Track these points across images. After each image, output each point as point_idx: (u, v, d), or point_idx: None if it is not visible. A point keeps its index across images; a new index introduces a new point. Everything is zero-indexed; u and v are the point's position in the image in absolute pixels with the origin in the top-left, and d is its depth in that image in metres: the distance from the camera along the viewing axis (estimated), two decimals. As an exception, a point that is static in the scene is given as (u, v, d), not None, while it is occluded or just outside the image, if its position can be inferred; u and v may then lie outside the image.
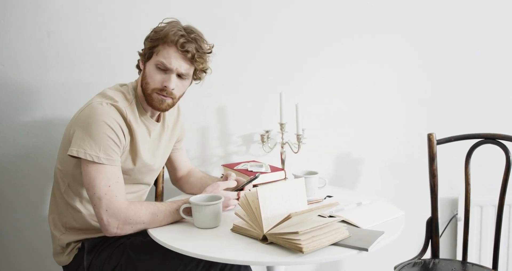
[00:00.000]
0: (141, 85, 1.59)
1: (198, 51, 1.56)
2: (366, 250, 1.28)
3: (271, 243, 1.33)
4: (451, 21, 2.18)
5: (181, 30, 1.55)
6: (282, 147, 2.07)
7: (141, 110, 1.62)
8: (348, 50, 2.16)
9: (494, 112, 2.25)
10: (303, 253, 1.24)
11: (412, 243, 2.26)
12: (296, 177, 1.77)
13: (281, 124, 2.05)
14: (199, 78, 1.67)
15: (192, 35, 1.56)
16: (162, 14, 1.60)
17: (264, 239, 1.34)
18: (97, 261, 1.58)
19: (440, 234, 2.06)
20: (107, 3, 2.00)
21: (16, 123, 2.02)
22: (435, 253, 1.95)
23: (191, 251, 1.30)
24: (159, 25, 1.59)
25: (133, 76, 1.70)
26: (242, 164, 1.98)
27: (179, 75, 1.57)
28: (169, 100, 1.58)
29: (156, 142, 1.68)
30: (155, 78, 1.55)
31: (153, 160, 1.67)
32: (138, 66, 1.67)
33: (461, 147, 1.93)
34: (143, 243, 1.57)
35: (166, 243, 1.37)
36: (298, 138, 2.03)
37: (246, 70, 2.12)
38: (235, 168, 1.93)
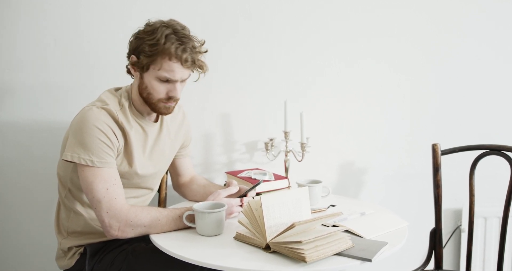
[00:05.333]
0: (141, 94, 1.59)
1: (194, 55, 1.54)
2: (370, 260, 1.27)
3: (274, 252, 1.33)
4: (456, 32, 2.18)
5: (178, 42, 1.50)
6: (286, 155, 2.06)
7: (136, 113, 1.62)
8: (353, 58, 2.16)
9: (500, 124, 2.24)
10: (306, 262, 1.23)
11: (416, 254, 2.25)
12: (299, 185, 1.76)
13: (286, 133, 2.04)
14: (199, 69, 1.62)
15: (189, 44, 1.53)
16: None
17: (267, 248, 1.34)
18: (99, 267, 1.58)
19: (443, 245, 2.05)
20: (114, 10, 2.01)
21: (19, 126, 2.02)
22: (439, 264, 1.94)
23: (194, 258, 1.30)
24: (147, 31, 1.53)
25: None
26: (246, 172, 1.97)
27: (182, 80, 1.58)
28: (173, 104, 1.62)
29: (154, 143, 1.67)
30: (159, 90, 1.55)
31: (151, 162, 1.66)
32: (129, 71, 1.63)
33: (466, 157, 1.92)
34: (146, 249, 1.57)
35: (168, 250, 1.36)
36: (303, 146, 2.03)
37: (251, 77, 2.12)
38: (238, 175, 1.93)
